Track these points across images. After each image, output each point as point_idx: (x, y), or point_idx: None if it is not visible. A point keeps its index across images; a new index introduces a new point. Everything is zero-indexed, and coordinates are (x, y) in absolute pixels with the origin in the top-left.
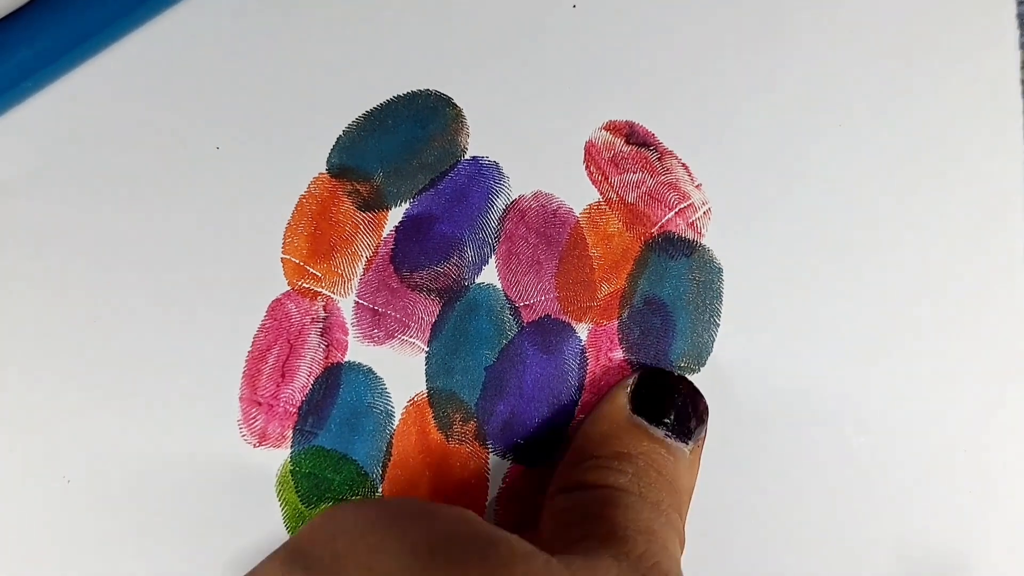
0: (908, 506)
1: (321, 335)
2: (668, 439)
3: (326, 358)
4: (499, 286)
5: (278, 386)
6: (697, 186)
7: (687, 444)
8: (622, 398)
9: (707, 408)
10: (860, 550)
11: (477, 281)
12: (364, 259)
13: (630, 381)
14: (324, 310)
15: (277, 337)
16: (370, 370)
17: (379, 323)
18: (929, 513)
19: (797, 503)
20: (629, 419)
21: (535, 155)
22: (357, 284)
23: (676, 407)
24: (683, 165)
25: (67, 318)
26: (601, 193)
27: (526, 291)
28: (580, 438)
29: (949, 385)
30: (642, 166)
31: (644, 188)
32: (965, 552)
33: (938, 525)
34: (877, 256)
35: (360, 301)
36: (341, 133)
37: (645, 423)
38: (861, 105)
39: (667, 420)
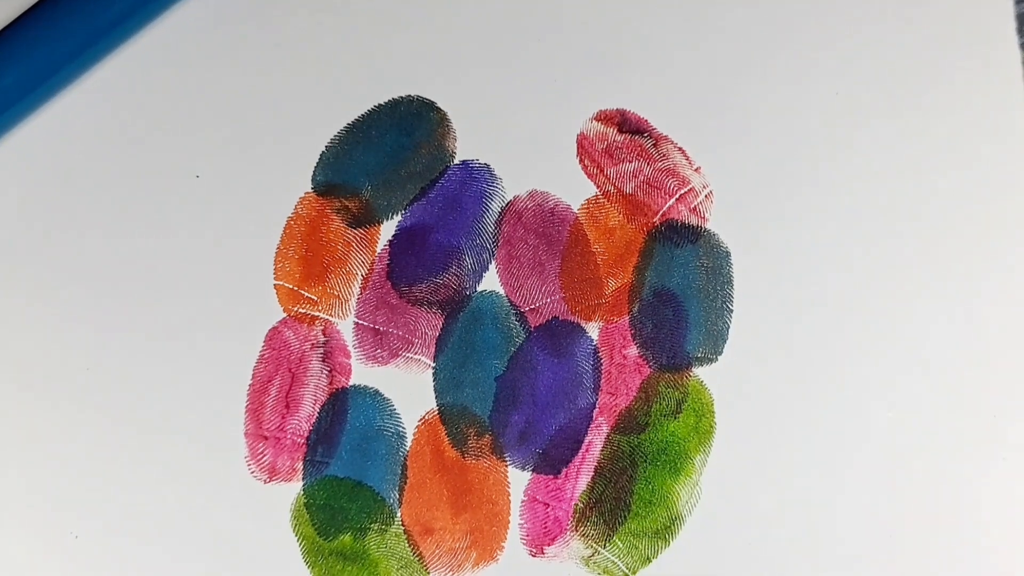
0: (937, 482)
1: (323, 360)
2: None
3: (330, 384)
4: (502, 292)
5: (283, 418)
6: (696, 170)
7: None
8: None
9: None
10: (880, 533)
11: (479, 289)
12: (360, 277)
13: None
14: (323, 334)
15: (277, 367)
16: (377, 392)
17: (381, 342)
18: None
19: (818, 488)
20: None
21: (526, 153)
22: (355, 304)
23: None
24: (680, 150)
25: (64, 371)
26: (598, 186)
27: (530, 295)
28: None
29: (970, 345)
30: (638, 154)
31: (642, 177)
32: (986, 544)
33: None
34: (893, 225)
35: (360, 321)
36: (324, 149)
37: None
38: (857, 76)
39: None
